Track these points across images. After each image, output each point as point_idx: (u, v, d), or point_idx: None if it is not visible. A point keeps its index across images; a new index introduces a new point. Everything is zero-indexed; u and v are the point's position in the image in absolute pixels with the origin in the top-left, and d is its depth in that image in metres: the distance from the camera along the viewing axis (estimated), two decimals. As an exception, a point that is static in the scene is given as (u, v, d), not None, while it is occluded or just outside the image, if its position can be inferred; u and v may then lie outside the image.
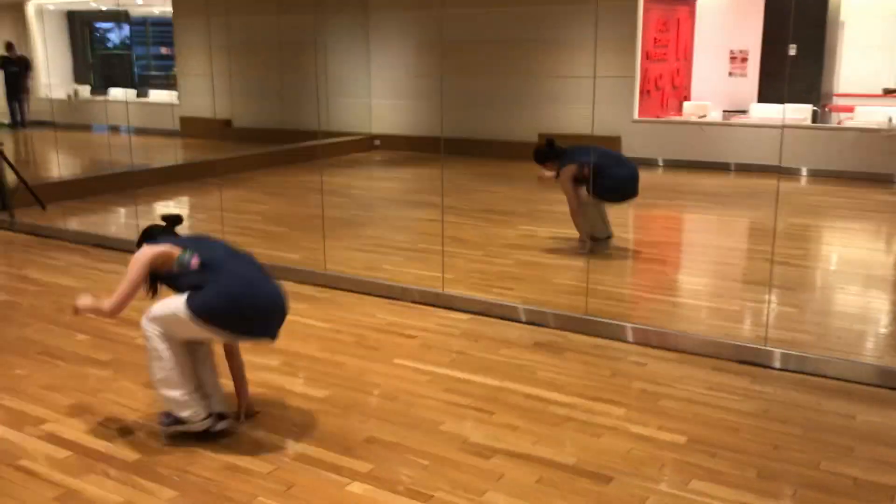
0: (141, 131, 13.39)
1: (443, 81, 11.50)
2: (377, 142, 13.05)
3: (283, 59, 12.90)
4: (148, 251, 3.42)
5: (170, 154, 13.01)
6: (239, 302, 3.32)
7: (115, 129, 14.89)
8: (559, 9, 11.13)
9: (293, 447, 3.41)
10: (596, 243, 6.45)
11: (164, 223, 3.72)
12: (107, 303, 3.36)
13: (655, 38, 11.35)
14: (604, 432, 3.51)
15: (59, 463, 3.29)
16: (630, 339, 4.58)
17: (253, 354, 4.42)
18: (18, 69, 14.47)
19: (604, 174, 6.08)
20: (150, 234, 3.64)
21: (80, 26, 18.59)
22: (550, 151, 6.44)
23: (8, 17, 16.44)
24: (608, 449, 3.36)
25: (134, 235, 6.83)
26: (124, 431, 3.55)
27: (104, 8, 18.15)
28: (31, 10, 16.88)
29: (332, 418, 3.67)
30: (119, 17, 18.74)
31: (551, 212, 7.93)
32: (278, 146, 12.24)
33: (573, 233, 6.61)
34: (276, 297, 3.47)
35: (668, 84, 11.89)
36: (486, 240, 6.94)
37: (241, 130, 13.91)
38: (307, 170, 11.05)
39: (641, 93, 11.16)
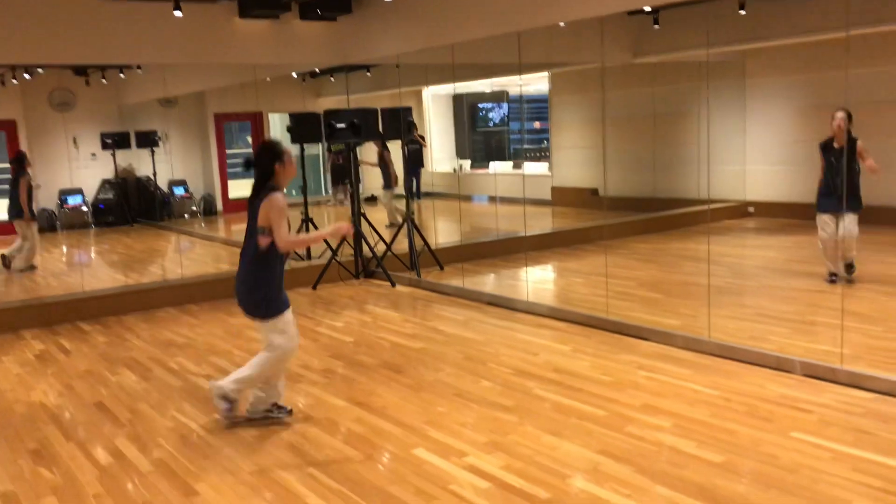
0: (516, 201, 14.46)
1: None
2: (751, 209, 12.67)
3: (656, 128, 13.16)
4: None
5: (544, 222, 13.84)
6: None
7: (492, 198, 16.26)
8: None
9: (693, 506, 3.49)
10: None
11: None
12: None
13: None
14: None
15: (482, 492, 3.73)
16: None
17: (643, 413, 4.59)
18: (417, 146, 16.50)
19: None
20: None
21: (463, 107, 20.67)
22: None
23: (411, 101, 18.85)
24: None
25: (519, 295, 7.46)
26: (531, 471, 3.90)
27: (487, 90, 20.02)
28: (426, 94, 19.16)
29: (730, 483, 3.69)
30: (500, 97, 20.52)
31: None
32: (644, 214, 12.47)
33: None
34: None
35: None
36: (886, 314, 6.42)
37: (609, 199, 14.36)
38: (678, 237, 11.10)
39: None
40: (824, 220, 7.40)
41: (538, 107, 20.75)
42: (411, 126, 9.02)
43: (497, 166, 18.11)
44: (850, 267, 7.52)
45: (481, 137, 21.11)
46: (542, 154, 18.44)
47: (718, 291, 7.49)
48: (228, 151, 17.18)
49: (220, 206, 16.49)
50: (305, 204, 9.69)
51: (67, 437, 4.69)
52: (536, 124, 20.76)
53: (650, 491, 3.65)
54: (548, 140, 17.69)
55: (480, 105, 21.21)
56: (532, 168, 17.54)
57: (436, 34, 8.16)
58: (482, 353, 6.00)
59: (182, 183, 16.38)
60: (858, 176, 7.25)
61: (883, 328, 6.04)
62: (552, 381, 5.28)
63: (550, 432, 4.40)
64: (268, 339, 4.57)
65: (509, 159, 18.99)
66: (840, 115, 7.13)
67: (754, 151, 12.74)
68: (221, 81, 12.85)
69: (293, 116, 9.37)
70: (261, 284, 4.47)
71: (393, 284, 8.72)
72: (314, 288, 8.74)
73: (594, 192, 14.79)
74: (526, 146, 20.72)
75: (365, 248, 9.15)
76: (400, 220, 13.01)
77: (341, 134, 8.61)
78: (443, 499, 3.68)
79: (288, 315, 4.58)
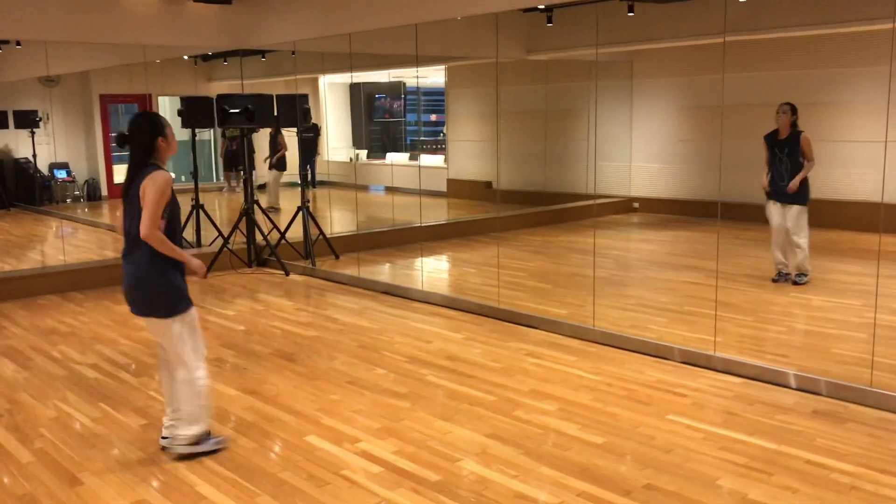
0: (412, 192, 14.58)
1: (722, 145, 11.37)
2: (636, 204, 13.19)
3: (547, 125, 13.50)
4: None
5: (439, 213, 13.99)
6: None
7: (389, 189, 16.34)
8: (836, 72, 10.75)
9: (575, 484, 3.67)
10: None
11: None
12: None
13: (946, 101, 10.56)
14: (894, 505, 3.43)
15: (374, 476, 3.80)
16: (920, 415, 4.37)
17: (531, 398, 4.77)
18: (312, 135, 16.35)
19: None
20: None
21: (361, 96, 20.60)
22: None
23: (307, 88, 18.65)
24: (900, 522, 3.29)
25: (414, 285, 7.55)
26: (422, 455, 4.01)
27: (383, 80, 20.01)
28: (322, 82, 19.00)
29: (609, 463, 3.89)
30: (396, 88, 20.54)
31: (824, 279, 7.65)
32: (535, 208, 12.81)
33: (851, 301, 6.36)
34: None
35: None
36: (757, 305, 6.85)
37: (502, 192, 14.66)
38: (567, 230, 11.45)
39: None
40: (771, 209, 7.52)
41: (435, 99, 20.91)
42: (307, 113, 8.95)
43: (393, 157, 18.16)
44: (800, 274, 7.53)
45: (378, 127, 21.07)
46: (438, 146, 18.61)
47: (604, 282, 7.80)
48: (114, 134, 16.57)
49: (104, 190, 15.90)
50: (196, 190, 9.49)
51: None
52: (433, 117, 20.91)
53: (535, 471, 3.81)
54: (443, 133, 17.88)
55: (377, 95, 21.18)
56: (428, 160, 17.68)
57: (333, 23, 8.13)
58: (376, 342, 6.06)
59: (64, 166, 15.69)
60: (802, 169, 7.33)
61: (753, 318, 6.44)
62: (445, 368, 5.40)
63: (442, 418, 4.51)
64: (172, 345, 3.96)
65: (406, 150, 19.07)
66: (784, 107, 7.33)
67: (639, 149, 13.27)
68: (108, 61, 12.38)
69: (185, 100, 9.15)
70: (158, 275, 3.86)
71: (287, 273, 8.66)
72: (205, 276, 8.56)
73: (488, 184, 15.06)
74: (422, 138, 20.86)
75: (258, 235, 9.04)
76: (279, 205, 13.07)
77: (235, 119, 8.47)
78: (335, 483, 3.73)
79: (194, 312, 4.04)
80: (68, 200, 15.56)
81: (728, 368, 5.20)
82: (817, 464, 3.83)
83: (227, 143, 13.44)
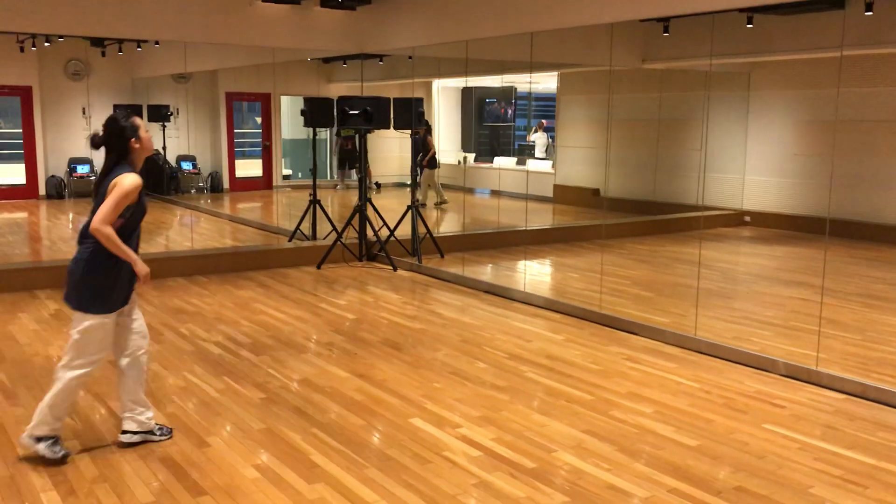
0: (518, 196, 14.78)
1: (833, 161, 11.11)
2: (747, 218, 12.97)
3: (660, 133, 13.44)
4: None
5: (544, 217, 14.13)
6: None
7: (494, 192, 16.60)
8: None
9: (667, 481, 3.79)
10: None
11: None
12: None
13: None
14: None
15: (473, 459, 4.03)
16: None
17: (628, 400, 4.89)
18: (421, 136, 16.78)
19: None
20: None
21: (472, 100, 20.91)
22: None
23: (421, 91, 19.12)
24: None
25: (516, 286, 7.74)
26: (520, 444, 4.20)
27: (495, 85, 20.26)
28: (436, 86, 19.40)
29: (702, 464, 3.99)
30: (507, 93, 20.75)
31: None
32: (643, 217, 12.79)
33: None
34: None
35: None
36: (866, 325, 6.72)
37: (609, 200, 14.66)
38: (674, 240, 11.39)
39: None
40: None
41: (544, 105, 21.02)
42: (421, 116, 9.28)
43: (501, 161, 18.39)
44: None
45: (487, 131, 21.32)
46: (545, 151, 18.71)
47: (709, 294, 7.79)
48: (237, 131, 17.45)
49: (226, 183, 16.77)
50: (314, 186, 9.96)
51: (86, 392, 4.97)
52: (543, 122, 21.01)
53: (629, 467, 3.95)
54: (553, 138, 17.98)
55: (487, 100, 21.43)
56: (535, 165, 17.82)
57: (451, 30, 8.42)
58: (478, 337, 6.29)
59: (191, 158, 16.65)
60: None
61: (861, 337, 6.34)
62: (544, 366, 5.57)
63: (539, 412, 4.70)
64: (75, 339, 3.89)
65: (514, 155, 19.24)
66: None
67: (753, 162, 13.03)
68: (236, 61, 13.08)
69: (308, 101, 9.64)
70: (94, 270, 3.84)
71: (394, 268, 9.01)
72: (318, 267, 9.02)
73: (595, 191, 15.09)
74: (531, 143, 20.98)
75: (369, 231, 9.42)
76: (441, 198, 13.78)
77: (353, 120, 8.88)
78: (436, 462, 3.98)
79: (112, 319, 3.94)
80: (193, 191, 16.50)
81: (831, 384, 5.18)
82: (916, 481, 3.83)
83: (341, 143, 13.99)
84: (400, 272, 8.92)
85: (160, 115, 15.57)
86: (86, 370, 3.93)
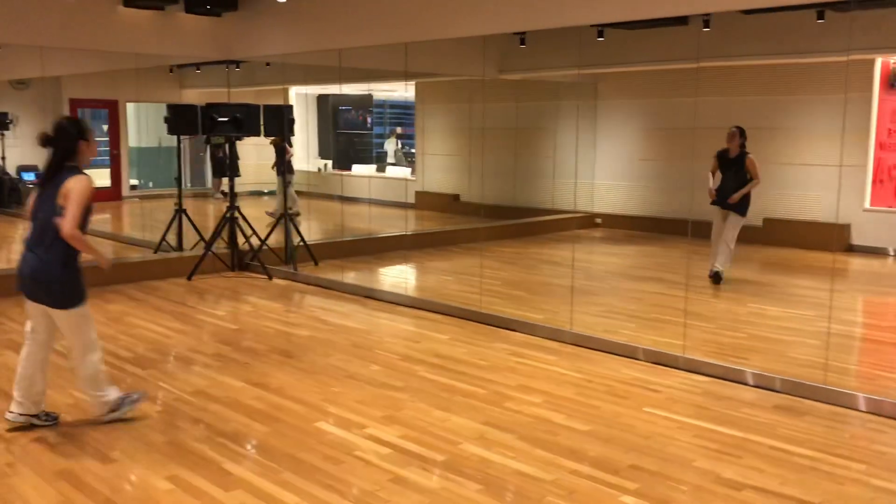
0: (380, 203, 14.98)
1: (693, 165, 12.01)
2: (598, 220, 13.74)
3: (517, 141, 13.98)
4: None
5: (408, 223, 14.36)
6: None
7: (353, 199, 16.68)
8: (792, 99, 11.46)
9: (567, 464, 4.08)
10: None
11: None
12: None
13: (890, 129, 11.34)
14: (846, 482, 3.90)
15: (384, 457, 4.16)
16: (866, 408, 4.89)
17: (519, 392, 5.18)
18: (286, 145, 16.61)
19: None
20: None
21: (328, 108, 20.89)
22: None
23: (278, 98, 18.91)
24: (852, 495, 3.76)
25: (395, 289, 7.85)
26: (426, 439, 4.38)
27: (351, 93, 20.35)
28: (292, 93, 19.25)
29: (596, 447, 4.31)
30: (363, 101, 20.88)
31: (780, 292, 8.22)
32: (500, 221, 13.29)
33: (804, 312, 6.90)
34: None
35: (903, 174, 11.73)
36: (717, 314, 7.37)
37: (468, 205, 15.12)
38: (534, 242, 11.93)
39: (874, 182, 11.14)
40: (715, 213, 8.61)
41: (400, 112, 21.29)
42: (292, 124, 9.27)
43: (359, 169, 18.50)
44: (716, 276, 8.56)
45: (344, 139, 21.34)
46: (405, 160, 18.99)
47: (575, 291, 8.24)
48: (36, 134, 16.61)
49: (73, 194, 15.93)
50: (180, 195, 9.73)
51: None
52: (399, 129, 21.27)
53: (531, 453, 4.22)
54: (410, 146, 18.29)
55: (342, 107, 21.46)
56: (395, 172, 18.06)
57: (319, 38, 8.49)
58: (367, 341, 6.42)
59: (33, 168, 15.70)
60: (746, 185, 8.41)
61: (714, 325, 6.96)
62: (435, 364, 5.78)
63: (439, 408, 4.89)
64: (74, 334, 4.30)
65: (373, 163, 19.38)
66: (733, 130, 8.45)
67: (603, 167, 13.83)
68: (84, 67, 12.50)
69: (170, 107, 9.41)
70: (67, 269, 4.18)
71: (270, 277, 8.95)
72: (189, 279, 8.82)
73: (456, 197, 15.50)
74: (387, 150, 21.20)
75: (240, 240, 9.31)
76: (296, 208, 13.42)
77: (223, 127, 8.76)
78: (349, 462, 4.09)
79: (87, 307, 4.34)
80: (36, 203, 15.55)
81: (695, 368, 5.67)
82: (780, 449, 4.31)
83: (212, 151, 13.58)
84: (276, 281, 8.88)
85: (-2, 123, 14.63)
86: (98, 349, 4.40)
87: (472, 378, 5.48)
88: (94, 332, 4.42)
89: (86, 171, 4.21)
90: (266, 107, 9.14)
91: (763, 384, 5.36)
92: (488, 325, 6.95)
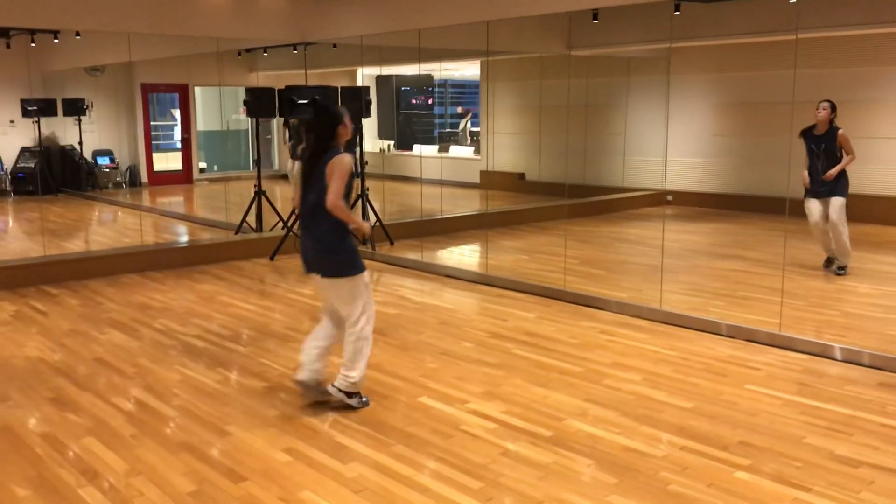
0: (446, 183, 15.03)
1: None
2: (669, 197, 13.57)
3: (587, 118, 13.87)
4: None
5: (475, 203, 14.39)
6: None
7: (415, 179, 16.73)
8: (853, 71, 11.15)
9: (676, 440, 4.08)
10: None
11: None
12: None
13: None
14: (967, 461, 3.83)
15: (491, 431, 4.22)
16: (978, 387, 4.78)
17: (615, 370, 5.18)
18: (354, 126, 16.73)
19: None
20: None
21: (392, 88, 20.95)
22: None
23: (346, 81, 19.06)
24: (975, 474, 3.69)
25: (475, 268, 7.91)
26: (530, 415, 4.42)
27: (410, 73, 20.36)
28: (359, 74, 19.33)
29: (702, 423, 4.30)
30: (424, 80, 20.89)
31: (865, 269, 8.05)
32: (571, 200, 13.21)
33: (894, 288, 6.75)
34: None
35: None
36: (807, 291, 7.25)
37: (532, 184, 15.07)
38: (605, 221, 11.85)
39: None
40: (809, 206, 7.86)
41: (463, 91, 21.27)
42: (369, 105, 9.34)
43: (422, 149, 18.54)
44: (840, 268, 7.87)
45: (404, 119, 21.38)
46: (467, 139, 19.00)
47: (655, 269, 8.18)
48: (153, 123, 16.99)
49: (144, 177, 16.33)
50: (259, 177, 9.89)
51: (81, 387, 4.91)
52: (459, 109, 21.25)
53: (637, 430, 4.23)
54: (475, 125, 18.27)
55: (403, 88, 21.49)
56: (458, 151, 18.07)
57: (398, 18, 8.52)
58: (455, 319, 6.48)
59: (108, 153, 16.13)
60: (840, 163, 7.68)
61: (804, 302, 6.85)
62: (526, 342, 5.81)
63: (538, 384, 4.93)
64: (349, 302, 4.46)
65: (435, 143, 19.41)
66: (824, 104, 7.67)
67: (674, 144, 13.64)
68: (152, 53, 12.75)
69: (249, 91, 9.56)
70: (341, 240, 4.41)
71: (349, 257, 9.06)
72: (272, 259, 9.00)
73: (521, 176, 15.47)
74: (449, 130, 21.22)
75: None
76: None
77: (302, 109, 8.87)
78: (458, 436, 4.15)
79: (364, 278, 4.52)
80: (110, 186, 16.00)
81: (791, 346, 5.60)
82: (891, 426, 4.24)
83: (292, 133, 13.68)
84: (355, 260, 8.98)
85: (75, 108, 15.04)
86: (373, 319, 4.56)
87: (566, 356, 5.50)
88: (372, 307, 4.56)
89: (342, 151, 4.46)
90: (344, 88, 9.22)
91: (864, 361, 5.27)
92: (573, 303, 6.96)
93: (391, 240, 9.72)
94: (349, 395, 4.52)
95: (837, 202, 7.72)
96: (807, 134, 7.85)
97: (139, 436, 4.18)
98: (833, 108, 7.71)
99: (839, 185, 7.72)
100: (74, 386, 4.93)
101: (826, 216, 7.76)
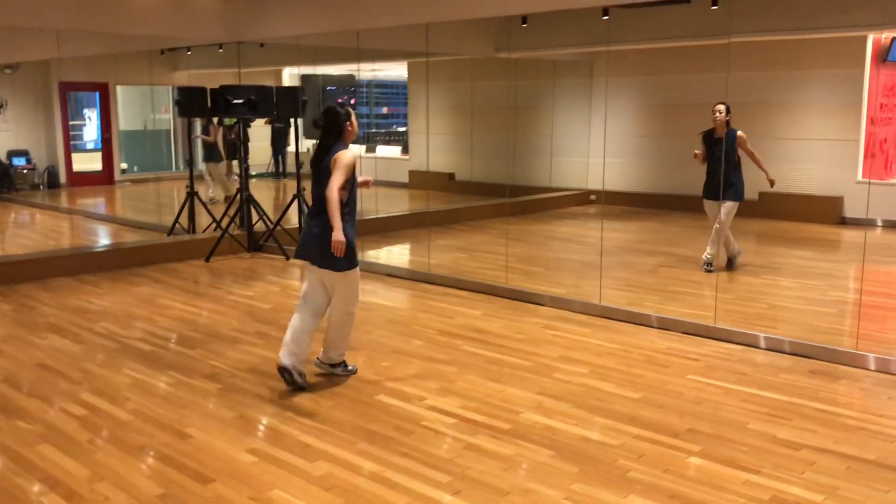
0: (377, 182, 15.03)
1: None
2: (593, 196, 13.93)
3: (516, 120, 14.10)
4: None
5: (404, 203, 14.46)
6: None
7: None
8: (782, 74, 11.70)
9: (629, 429, 4.26)
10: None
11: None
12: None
13: (881, 104, 11.63)
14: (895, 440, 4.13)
15: (452, 426, 4.31)
16: (898, 372, 5.14)
17: (563, 363, 5.35)
18: (283, 125, 16.53)
19: None
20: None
21: (319, 88, 20.80)
22: None
23: (272, 80, 18.83)
24: (903, 452, 3.99)
25: (416, 267, 7.92)
26: (487, 409, 4.54)
27: (335, 73, 20.28)
28: (285, 73, 19.14)
29: (651, 413, 4.50)
30: (346, 80, 20.82)
31: (785, 264, 8.47)
32: (495, 199, 13.42)
33: (812, 282, 7.13)
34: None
35: (894, 147, 12.05)
36: (737, 285, 7.59)
37: (462, 183, 15.24)
38: (534, 220, 12.10)
39: (866, 156, 11.43)
40: (706, 207, 8.05)
41: (386, 92, 21.27)
42: (305, 105, 9.31)
43: (351, 147, 18.47)
44: (730, 261, 8.13)
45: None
46: (392, 138, 19.05)
47: (587, 266, 8.45)
48: (72, 123, 16.45)
49: (63, 178, 15.80)
50: (191, 178, 9.72)
51: (26, 394, 4.78)
52: (385, 109, 21.26)
53: (591, 420, 4.39)
54: (400, 125, 18.33)
55: (327, 87, 21.35)
56: (386, 151, 18.11)
57: (335, 19, 8.52)
58: (403, 317, 6.55)
59: (24, 153, 15.55)
60: (738, 167, 7.83)
61: (733, 296, 7.17)
62: (475, 339, 5.93)
63: (491, 379, 5.05)
64: (345, 292, 4.88)
65: (362, 143, 19.37)
66: (720, 107, 7.76)
67: (598, 144, 14.00)
68: (75, 50, 12.38)
69: (181, 90, 9.41)
70: (345, 234, 4.62)
71: (287, 257, 9.03)
72: (207, 260, 8.88)
73: (451, 176, 15.61)
74: (373, 130, 21.21)
75: (256, 221, 9.36)
76: (227, 193, 12.94)
77: (237, 109, 8.79)
78: (419, 432, 4.23)
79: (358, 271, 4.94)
80: (28, 188, 15.44)
81: (728, 338, 5.88)
82: (826, 411, 4.53)
83: (224, 132, 13.40)
84: (293, 261, 8.96)
85: (-13, 107, 14.45)
86: (356, 308, 5.06)
87: (515, 351, 5.64)
88: (359, 296, 5.06)
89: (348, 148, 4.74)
90: (279, 88, 9.17)
91: (794, 350, 5.58)
92: (515, 300, 7.11)
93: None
94: (346, 368, 5.12)
95: (729, 205, 7.81)
96: (707, 137, 7.93)
97: (96, 441, 4.11)
98: (728, 110, 7.78)
99: (735, 189, 7.81)
100: (19, 392, 4.81)
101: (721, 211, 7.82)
